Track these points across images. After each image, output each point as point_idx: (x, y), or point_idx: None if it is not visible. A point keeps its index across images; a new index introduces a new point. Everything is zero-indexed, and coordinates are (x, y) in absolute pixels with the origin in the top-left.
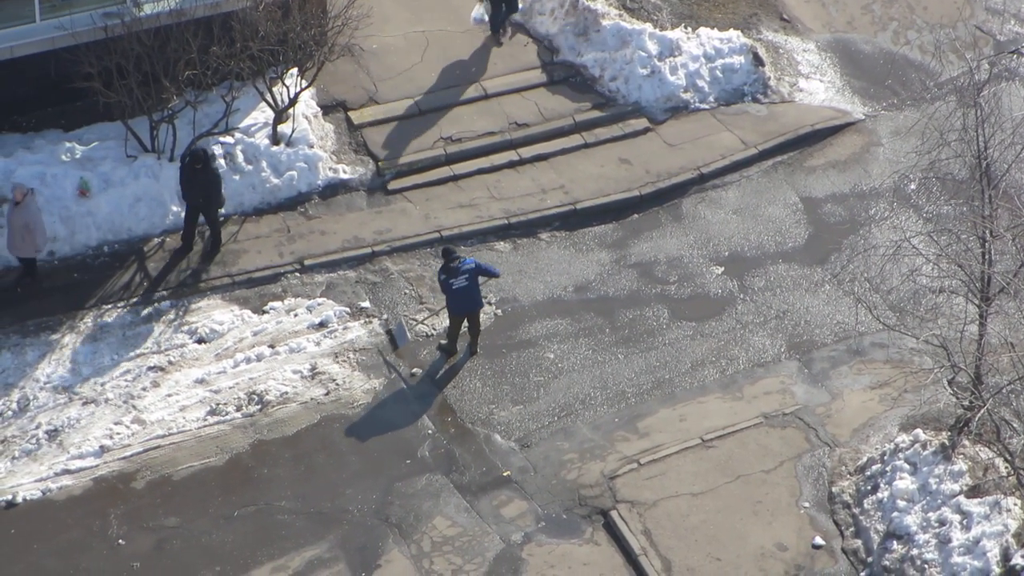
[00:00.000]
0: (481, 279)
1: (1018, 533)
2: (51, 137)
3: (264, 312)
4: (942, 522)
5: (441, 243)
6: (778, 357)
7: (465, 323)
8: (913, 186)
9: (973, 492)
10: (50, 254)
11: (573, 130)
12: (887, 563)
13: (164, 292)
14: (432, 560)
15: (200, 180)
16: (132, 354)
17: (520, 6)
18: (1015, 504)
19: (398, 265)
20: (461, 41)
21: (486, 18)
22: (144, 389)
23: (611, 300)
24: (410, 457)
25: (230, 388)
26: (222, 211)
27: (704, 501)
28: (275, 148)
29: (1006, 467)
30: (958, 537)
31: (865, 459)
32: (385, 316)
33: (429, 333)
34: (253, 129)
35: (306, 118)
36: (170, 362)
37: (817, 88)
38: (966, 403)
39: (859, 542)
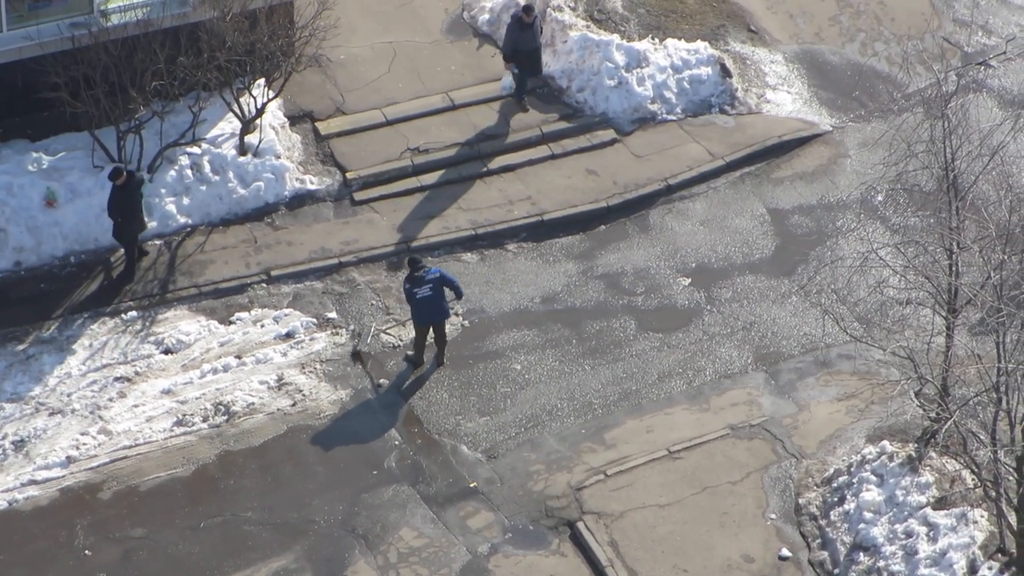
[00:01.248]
0: (449, 295)
1: (984, 545)
2: (18, 147)
3: (231, 323)
4: (909, 534)
5: (408, 254)
6: (745, 368)
7: (431, 334)
8: (880, 198)
9: (940, 504)
10: (16, 264)
11: (540, 141)
12: (854, 575)
13: (131, 302)
14: (399, 571)
15: (117, 198)
16: (98, 364)
17: (542, 71)
18: (981, 516)
19: (365, 276)
20: (428, 52)
21: (514, 85)
22: (111, 400)
23: (578, 311)
24: (377, 468)
25: (196, 399)
26: (196, 223)
27: (671, 512)
28: (242, 159)
29: (973, 479)
30: (925, 549)
31: (832, 471)
32: (352, 327)
33: (396, 344)
34: (220, 139)
35: (273, 129)
36: (136, 373)
37: (784, 99)
38: (933, 415)
39: (826, 554)
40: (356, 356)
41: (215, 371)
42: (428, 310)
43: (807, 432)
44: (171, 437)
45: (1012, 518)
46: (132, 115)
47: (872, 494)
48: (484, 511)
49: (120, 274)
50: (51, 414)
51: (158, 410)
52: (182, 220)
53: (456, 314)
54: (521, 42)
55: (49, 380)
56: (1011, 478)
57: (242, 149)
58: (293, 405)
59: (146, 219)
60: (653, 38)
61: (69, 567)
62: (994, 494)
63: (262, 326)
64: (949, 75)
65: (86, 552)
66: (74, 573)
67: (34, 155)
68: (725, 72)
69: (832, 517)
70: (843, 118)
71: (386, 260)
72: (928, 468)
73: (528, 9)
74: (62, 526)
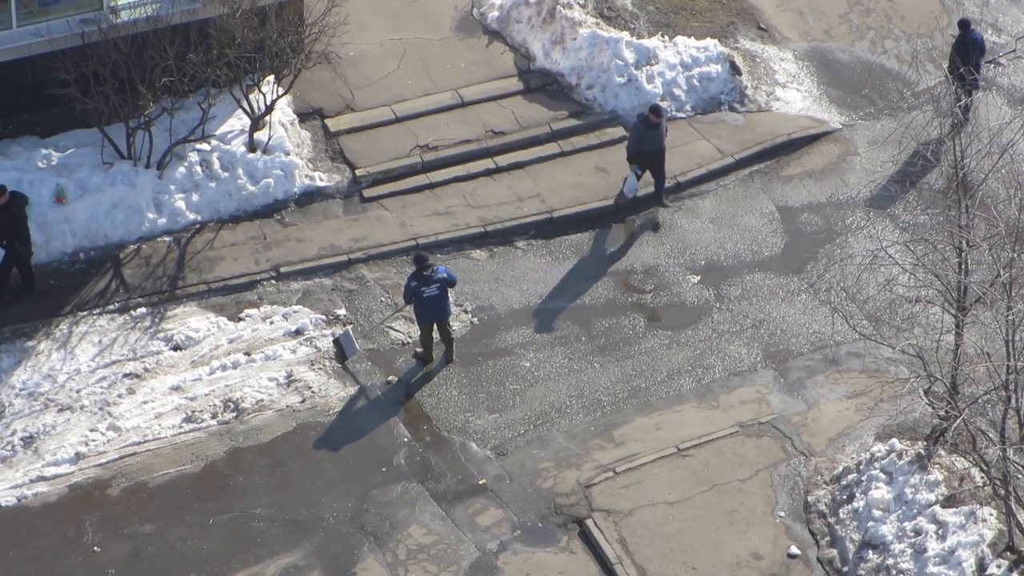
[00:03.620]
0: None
1: (993, 543)
2: (27, 143)
3: (240, 319)
4: (918, 532)
5: (417, 251)
6: (754, 366)
7: (435, 331)
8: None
9: (949, 502)
10: None
11: (550, 138)
12: (862, 573)
13: (140, 299)
14: (407, 568)
15: (1, 217)
16: (108, 361)
17: (664, 174)
18: (990, 514)
19: (374, 273)
20: (438, 49)
21: (637, 191)
22: (120, 396)
23: (587, 309)
24: (386, 465)
25: (206, 395)
26: (205, 219)
27: (680, 510)
28: (251, 155)
29: (982, 477)
30: (934, 547)
31: (841, 468)
32: (349, 325)
33: (404, 341)
34: (230, 136)
35: (283, 125)
36: (146, 369)
37: (794, 97)
38: (942, 413)
39: (835, 551)
40: (342, 361)
41: (224, 368)
42: (433, 309)
43: (816, 430)
44: (180, 434)
45: (1021, 516)
46: (142, 111)
47: (881, 492)
48: (493, 508)
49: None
50: (60, 410)
51: (167, 406)
52: (191, 216)
53: (465, 311)
54: (645, 142)
55: (58, 376)
56: (1020, 476)
57: (251, 146)
58: (302, 402)
59: (33, 245)
60: (663, 35)
61: (78, 563)
62: (1003, 492)
63: (271, 323)
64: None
65: (95, 548)
66: (83, 569)
67: (44, 151)
68: (735, 70)
69: (841, 515)
70: (853, 116)
71: (395, 257)
72: (937, 466)
73: (656, 110)
74: (71, 522)
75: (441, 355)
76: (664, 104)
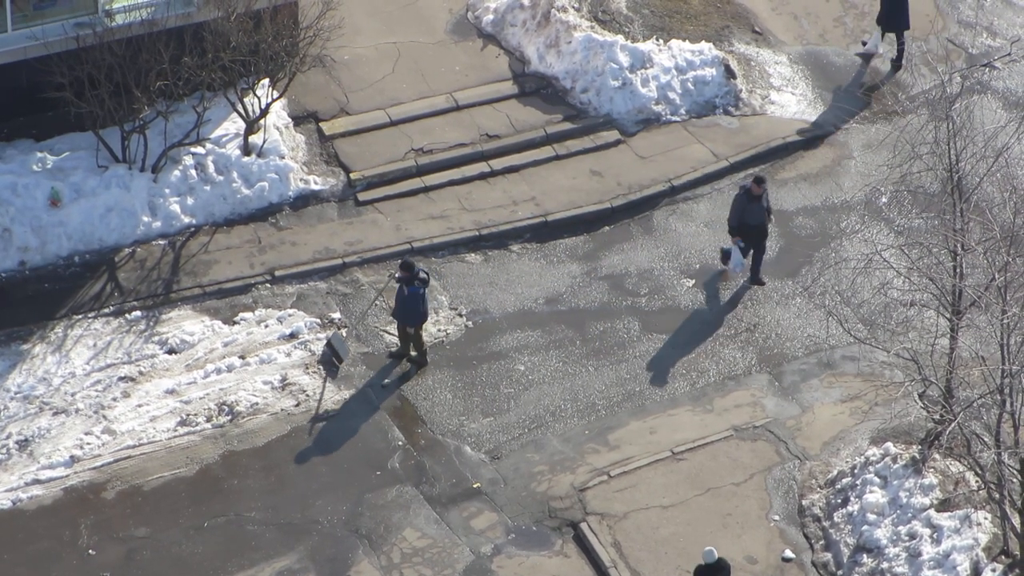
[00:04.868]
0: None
1: (988, 547)
2: (22, 147)
3: (235, 323)
4: (912, 536)
5: (412, 254)
6: (749, 370)
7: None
8: (884, 199)
9: (943, 506)
10: (21, 264)
11: (544, 142)
12: None
13: (135, 302)
14: (402, 572)
15: None
16: (102, 364)
17: (766, 248)
18: (985, 518)
19: (369, 276)
20: (432, 52)
21: (744, 266)
22: (114, 399)
23: (582, 312)
24: (380, 468)
25: (200, 399)
26: (200, 223)
27: (674, 514)
28: (246, 159)
29: (976, 481)
30: (928, 551)
31: (835, 472)
32: (344, 328)
33: (399, 344)
34: (224, 140)
35: (277, 129)
36: (140, 372)
37: (789, 101)
38: (937, 417)
39: (829, 555)
40: (336, 364)
41: (219, 371)
42: (426, 307)
43: (811, 433)
44: (175, 437)
45: (1016, 520)
46: (136, 115)
47: (876, 496)
48: (487, 512)
49: None
50: (55, 414)
51: (162, 410)
52: (186, 220)
53: (460, 315)
54: (748, 214)
55: (53, 380)
56: (1015, 480)
57: (246, 149)
58: (297, 405)
59: None
60: (657, 39)
61: (73, 566)
62: (998, 496)
63: (266, 326)
64: (953, 76)
65: (90, 551)
66: (78, 572)
67: (39, 155)
68: (729, 73)
69: (836, 519)
70: (847, 119)
71: (390, 261)
72: (932, 470)
73: (760, 180)
74: (66, 525)
75: (408, 357)
76: (659, 108)
